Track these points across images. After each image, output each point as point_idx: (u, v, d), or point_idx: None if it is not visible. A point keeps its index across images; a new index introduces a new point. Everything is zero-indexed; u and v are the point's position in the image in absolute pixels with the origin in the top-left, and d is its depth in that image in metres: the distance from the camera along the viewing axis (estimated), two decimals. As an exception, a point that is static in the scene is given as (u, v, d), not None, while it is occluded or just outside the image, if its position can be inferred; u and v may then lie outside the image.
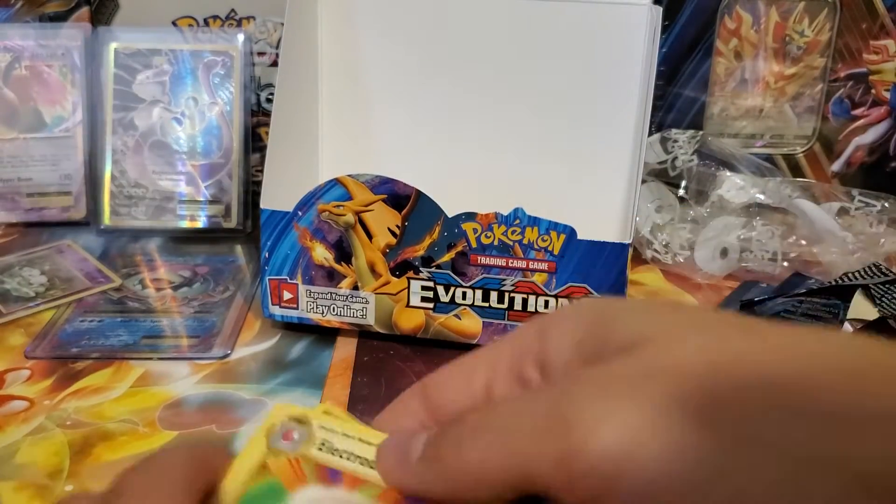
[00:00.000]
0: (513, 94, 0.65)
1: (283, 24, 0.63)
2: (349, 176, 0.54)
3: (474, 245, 0.54)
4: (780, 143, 0.80)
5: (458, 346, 0.57)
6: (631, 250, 0.53)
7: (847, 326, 0.55)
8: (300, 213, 0.55)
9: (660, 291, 0.66)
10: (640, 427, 0.21)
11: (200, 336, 0.59)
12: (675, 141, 0.75)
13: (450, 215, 0.53)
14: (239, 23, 0.77)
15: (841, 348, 0.22)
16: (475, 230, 0.53)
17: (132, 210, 0.74)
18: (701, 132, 0.76)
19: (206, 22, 0.77)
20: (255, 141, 0.77)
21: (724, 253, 0.68)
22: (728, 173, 0.72)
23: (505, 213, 0.53)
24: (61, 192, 0.76)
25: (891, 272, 0.56)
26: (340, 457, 0.25)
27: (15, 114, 0.75)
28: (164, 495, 0.24)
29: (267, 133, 0.78)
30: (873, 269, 0.57)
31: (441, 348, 0.57)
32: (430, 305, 0.56)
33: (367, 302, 0.56)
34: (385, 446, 0.26)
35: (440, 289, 0.55)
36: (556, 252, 0.53)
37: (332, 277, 0.56)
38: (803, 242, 0.69)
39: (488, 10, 0.64)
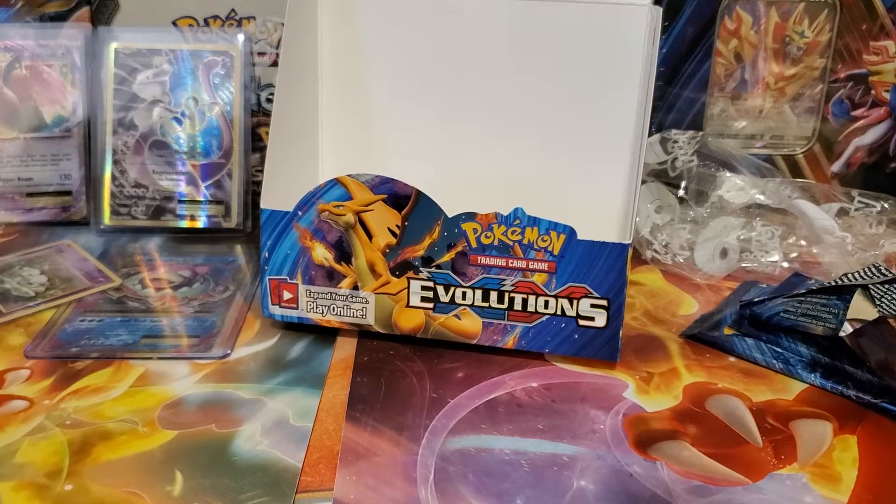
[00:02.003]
0: (512, 94, 0.65)
1: (283, 24, 0.63)
2: (349, 176, 0.55)
3: (474, 245, 0.54)
4: (779, 143, 0.80)
5: (458, 346, 0.57)
6: (631, 250, 0.53)
7: (847, 326, 0.55)
8: (300, 213, 0.55)
9: (659, 292, 0.66)
10: None
11: (200, 336, 0.59)
12: (675, 141, 0.75)
13: (450, 215, 0.54)
14: (239, 23, 0.77)
15: None
16: (475, 230, 0.53)
17: (132, 210, 0.74)
18: (701, 133, 0.76)
19: (206, 22, 0.77)
20: (255, 141, 0.77)
21: (724, 253, 0.68)
22: (728, 174, 0.72)
23: (505, 214, 0.53)
24: (61, 192, 0.76)
25: (890, 272, 0.56)
26: None
27: (15, 114, 0.75)
28: None
29: (267, 133, 0.78)
30: (873, 269, 0.57)
31: (441, 348, 0.57)
32: (430, 305, 0.56)
33: (366, 302, 0.56)
34: None
35: (440, 289, 0.55)
36: (555, 252, 0.53)
37: (332, 277, 0.56)
38: (803, 243, 0.69)
39: (488, 10, 0.64)
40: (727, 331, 0.59)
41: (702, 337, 0.59)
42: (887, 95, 0.77)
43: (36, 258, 0.70)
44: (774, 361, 0.56)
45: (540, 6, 0.63)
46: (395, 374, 0.55)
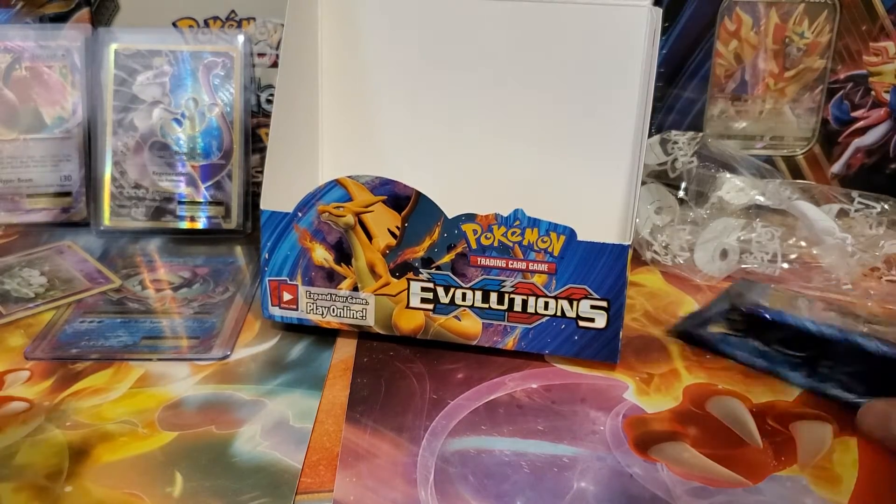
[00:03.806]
0: (513, 95, 0.65)
1: (283, 25, 0.63)
2: (349, 177, 0.55)
3: (474, 246, 0.54)
4: (779, 144, 0.80)
5: (458, 348, 0.57)
6: (631, 251, 0.53)
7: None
8: (300, 215, 0.55)
9: (659, 293, 0.66)
10: None
11: (200, 337, 0.59)
12: (675, 142, 0.75)
13: (450, 216, 0.54)
14: (239, 24, 0.77)
15: None
16: (475, 231, 0.53)
17: (132, 211, 0.74)
18: (701, 134, 0.76)
19: (206, 23, 0.77)
20: (255, 142, 0.77)
21: (724, 254, 0.68)
22: (728, 175, 0.72)
23: (505, 215, 0.53)
24: (61, 193, 0.76)
25: None
26: None
27: (15, 114, 0.75)
28: None
29: (267, 134, 0.78)
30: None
31: (441, 349, 0.57)
32: (430, 307, 0.56)
33: (366, 303, 0.56)
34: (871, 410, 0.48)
35: (440, 290, 0.55)
36: (555, 253, 0.53)
37: (332, 278, 0.56)
38: (803, 244, 0.69)
39: (489, 11, 0.64)
40: (714, 328, 0.59)
41: (688, 333, 0.59)
42: (887, 96, 0.77)
43: (36, 259, 0.70)
44: (756, 360, 0.55)
45: (540, 6, 0.63)
46: (395, 375, 0.55)
